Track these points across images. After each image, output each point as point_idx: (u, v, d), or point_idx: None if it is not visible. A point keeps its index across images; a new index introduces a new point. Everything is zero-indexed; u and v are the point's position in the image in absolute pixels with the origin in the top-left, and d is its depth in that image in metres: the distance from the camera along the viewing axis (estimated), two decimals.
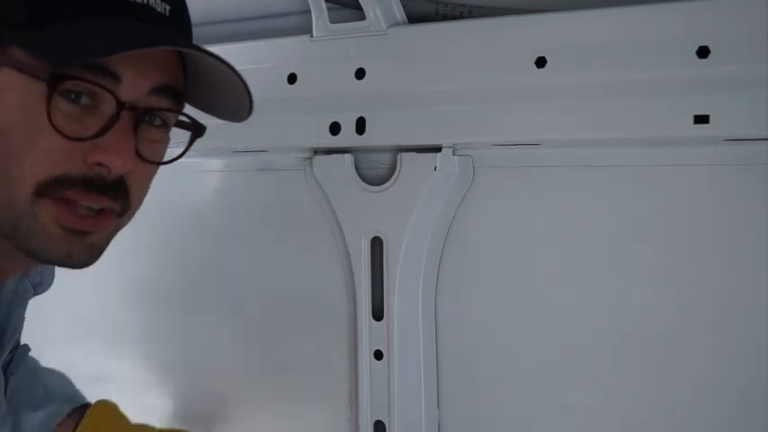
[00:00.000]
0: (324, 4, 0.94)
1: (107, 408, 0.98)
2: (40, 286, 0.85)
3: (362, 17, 0.92)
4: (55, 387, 0.98)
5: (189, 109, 0.69)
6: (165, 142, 0.68)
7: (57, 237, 0.62)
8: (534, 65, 0.82)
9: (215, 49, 1.04)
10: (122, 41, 0.59)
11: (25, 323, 1.04)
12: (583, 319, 0.88)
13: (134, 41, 0.60)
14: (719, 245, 0.80)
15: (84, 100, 0.61)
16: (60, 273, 1.18)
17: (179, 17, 0.67)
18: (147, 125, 0.64)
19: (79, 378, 1.26)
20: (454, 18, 0.90)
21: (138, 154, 0.63)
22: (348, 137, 0.94)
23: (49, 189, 0.61)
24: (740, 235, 0.79)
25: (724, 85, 0.74)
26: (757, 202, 0.77)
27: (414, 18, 0.93)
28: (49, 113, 0.59)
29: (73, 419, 0.96)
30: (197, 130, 0.67)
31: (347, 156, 0.96)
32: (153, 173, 0.68)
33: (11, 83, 0.59)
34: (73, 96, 0.61)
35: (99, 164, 0.61)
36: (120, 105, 0.61)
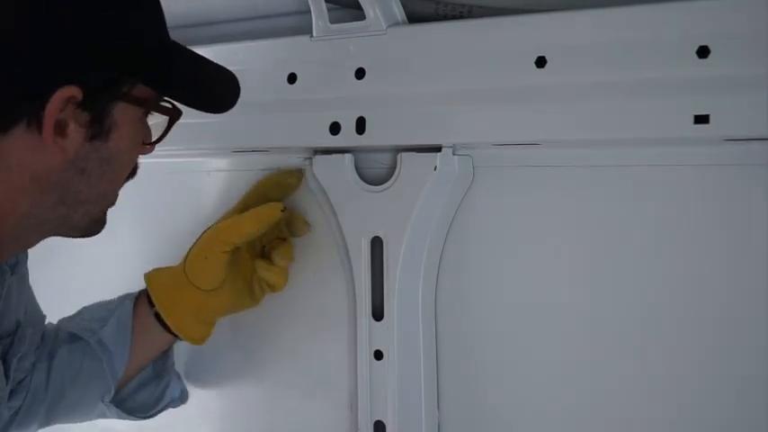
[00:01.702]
0: (324, 4, 0.94)
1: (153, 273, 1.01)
2: (17, 266, 0.90)
3: (362, 17, 0.92)
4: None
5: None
6: None
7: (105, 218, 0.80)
8: (534, 65, 0.82)
9: (215, 48, 1.04)
10: (233, 92, 0.81)
11: None
12: (583, 319, 0.88)
13: (235, 90, 0.81)
14: (719, 245, 0.80)
15: None
16: (59, 279, 1.18)
17: None
18: None
19: None
20: (454, 18, 0.90)
21: None
22: (348, 137, 0.94)
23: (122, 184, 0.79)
24: (740, 235, 0.79)
25: (724, 85, 0.74)
26: (757, 202, 0.77)
27: (414, 18, 0.93)
28: (143, 133, 0.78)
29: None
30: (176, 113, 0.79)
31: (347, 156, 0.96)
32: None
33: (125, 115, 0.72)
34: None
35: None
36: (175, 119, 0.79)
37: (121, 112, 0.71)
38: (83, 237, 0.79)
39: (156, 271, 1.01)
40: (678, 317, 0.83)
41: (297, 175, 1.00)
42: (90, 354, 0.98)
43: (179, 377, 1.08)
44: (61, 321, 1.03)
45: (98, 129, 0.70)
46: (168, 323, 0.98)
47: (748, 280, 0.79)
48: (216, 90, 0.81)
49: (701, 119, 0.74)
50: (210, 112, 0.82)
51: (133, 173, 0.81)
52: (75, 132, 0.68)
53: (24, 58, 0.65)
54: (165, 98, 0.79)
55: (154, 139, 0.80)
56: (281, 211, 0.95)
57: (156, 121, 0.81)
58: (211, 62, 0.81)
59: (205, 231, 0.99)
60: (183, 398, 1.08)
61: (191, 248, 0.99)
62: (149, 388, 1.04)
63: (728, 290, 0.80)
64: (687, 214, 0.82)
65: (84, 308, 1.04)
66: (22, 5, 0.64)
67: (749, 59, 0.72)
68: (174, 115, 0.78)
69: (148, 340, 1.00)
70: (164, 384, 1.05)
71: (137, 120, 0.75)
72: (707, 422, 0.82)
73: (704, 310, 0.81)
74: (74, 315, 1.03)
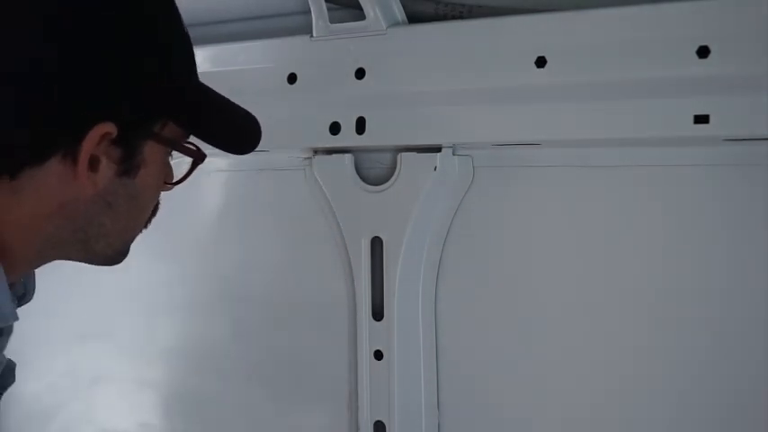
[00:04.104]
0: (324, 4, 0.94)
1: None
2: (24, 297, 0.89)
3: (362, 17, 0.92)
4: None
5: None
6: None
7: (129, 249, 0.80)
8: (534, 65, 0.82)
9: (215, 48, 1.04)
10: (255, 135, 0.80)
11: (31, 322, 1.04)
12: (583, 319, 0.88)
13: (257, 133, 0.80)
14: (719, 245, 0.80)
15: None
16: (62, 276, 1.18)
17: None
18: None
19: (79, 379, 1.27)
20: (454, 18, 0.90)
21: None
22: (348, 137, 0.94)
23: (148, 220, 0.80)
24: (740, 235, 0.79)
25: (724, 85, 0.74)
26: (757, 202, 0.77)
27: (414, 18, 0.93)
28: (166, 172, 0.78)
29: None
30: (200, 156, 0.80)
31: (347, 156, 0.96)
32: None
33: (154, 154, 0.73)
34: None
35: None
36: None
37: (151, 151, 0.72)
38: (104, 265, 0.80)
39: None
40: (678, 316, 0.83)
41: None
42: None
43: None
44: None
45: (128, 165, 0.71)
46: None
47: (748, 279, 0.79)
48: (240, 133, 0.81)
49: (701, 119, 0.75)
50: (233, 153, 0.83)
51: (154, 212, 0.81)
52: (107, 168, 0.69)
53: (64, 93, 0.66)
54: (190, 140, 0.80)
55: (176, 179, 0.81)
56: None
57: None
58: (235, 105, 0.82)
59: None
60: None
61: None
62: None
63: (729, 289, 0.80)
64: (687, 214, 0.82)
65: None
66: (68, 43, 0.66)
67: (749, 59, 0.73)
68: (198, 157, 0.79)
69: None
70: None
71: (163, 158, 0.76)
72: (707, 422, 0.82)
73: (704, 309, 0.81)
74: None
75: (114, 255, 0.79)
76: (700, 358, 0.82)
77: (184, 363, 1.16)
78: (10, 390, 1.10)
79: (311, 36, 0.96)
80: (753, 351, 0.79)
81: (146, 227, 0.81)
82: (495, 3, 0.88)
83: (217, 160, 1.10)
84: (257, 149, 1.04)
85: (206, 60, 1.01)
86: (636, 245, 0.84)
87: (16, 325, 0.99)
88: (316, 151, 0.99)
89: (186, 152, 0.78)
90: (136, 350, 1.20)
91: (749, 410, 0.80)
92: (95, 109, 0.67)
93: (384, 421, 0.96)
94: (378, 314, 0.96)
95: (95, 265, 0.80)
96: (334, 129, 0.95)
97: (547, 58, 0.82)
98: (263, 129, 1.01)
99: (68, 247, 0.75)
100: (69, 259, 0.78)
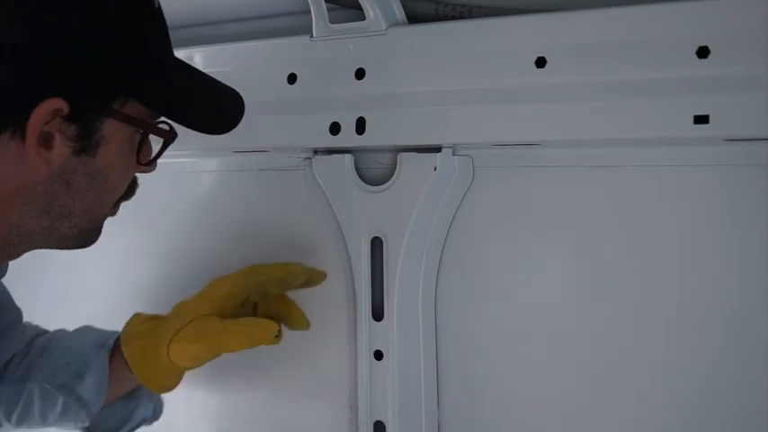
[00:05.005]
0: (324, 4, 0.94)
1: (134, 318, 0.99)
2: None
3: (362, 17, 0.92)
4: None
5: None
6: None
7: (101, 228, 0.79)
8: (534, 65, 0.82)
9: (215, 48, 1.04)
10: (234, 113, 0.79)
11: (33, 321, 1.04)
12: (583, 319, 0.88)
13: (236, 111, 0.80)
14: (719, 245, 0.80)
15: None
16: (62, 275, 1.18)
17: None
18: None
19: None
20: (454, 18, 0.90)
21: None
22: (348, 137, 0.94)
23: (118, 202, 0.78)
24: (740, 235, 0.79)
25: (724, 85, 0.74)
26: (757, 202, 0.77)
27: (414, 18, 0.93)
28: (138, 153, 0.76)
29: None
30: (170, 136, 0.78)
31: (347, 156, 0.96)
32: None
33: (115, 132, 0.71)
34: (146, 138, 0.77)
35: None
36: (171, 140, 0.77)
37: (112, 129, 0.70)
38: (76, 248, 0.78)
39: (135, 324, 0.99)
40: (678, 316, 0.83)
41: (321, 276, 0.98)
42: (65, 402, 0.97)
43: (150, 397, 1.05)
44: (32, 359, 1.00)
45: (86, 143, 0.69)
46: (138, 377, 0.96)
47: (748, 280, 0.79)
48: (215, 111, 0.79)
49: (701, 119, 0.74)
50: (209, 133, 0.80)
51: (130, 192, 0.79)
52: (62, 145, 0.67)
53: (9, 68, 0.64)
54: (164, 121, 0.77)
55: (148, 159, 0.78)
56: (275, 337, 0.94)
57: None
58: (214, 80, 0.79)
59: (190, 304, 0.96)
60: (156, 415, 1.07)
61: (171, 318, 0.96)
62: (117, 410, 1.02)
63: (729, 290, 0.80)
64: (687, 214, 0.82)
65: (54, 345, 1.00)
66: (8, 15, 0.63)
67: (749, 59, 0.72)
68: (167, 137, 0.76)
69: (123, 385, 1.00)
70: (132, 406, 1.04)
71: (128, 138, 0.73)
72: (708, 422, 0.82)
73: (705, 310, 0.81)
74: (44, 354, 1.00)
75: (81, 236, 0.76)
76: (700, 358, 0.82)
77: None
78: None
79: (311, 36, 0.96)
80: (753, 351, 0.79)
81: (117, 205, 0.79)
82: (495, 3, 0.88)
83: (216, 160, 1.10)
84: (257, 149, 1.05)
85: (206, 60, 1.01)
86: (636, 245, 0.84)
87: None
88: (316, 151, 0.99)
89: (154, 131, 0.75)
90: None
91: (750, 410, 0.80)
92: (42, 84, 0.65)
93: (384, 421, 0.96)
94: (378, 314, 0.96)
95: (66, 249, 0.78)
96: (334, 129, 0.95)
97: (547, 58, 0.82)
98: (262, 129, 1.01)
99: (35, 236, 0.73)
100: (39, 248, 0.76)
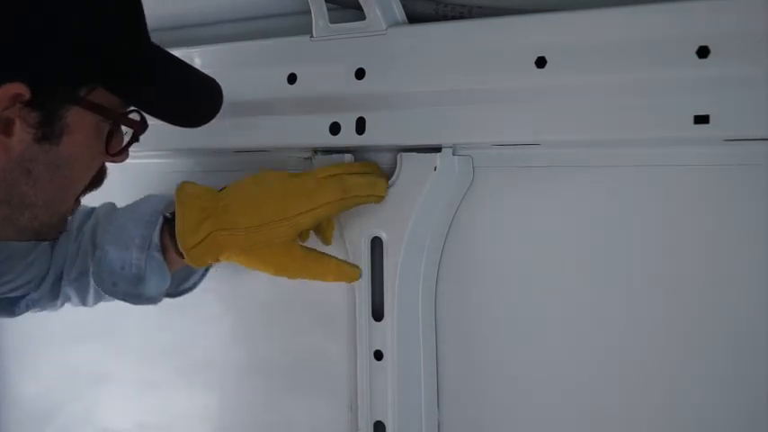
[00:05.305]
0: (324, 4, 0.94)
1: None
2: None
3: (362, 17, 0.92)
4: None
5: None
6: None
7: (66, 221, 0.76)
8: (534, 65, 0.82)
9: (215, 48, 1.04)
10: (211, 103, 0.77)
11: (26, 324, 1.04)
12: (583, 319, 0.88)
13: (214, 101, 0.77)
14: (720, 245, 0.80)
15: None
16: None
17: None
18: None
19: (78, 378, 1.27)
20: (454, 18, 0.90)
21: None
22: (348, 137, 0.94)
23: (83, 192, 0.75)
24: (740, 235, 0.79)
25: (724, 85, 0.74)
26: (757, 202, 0.77)
27: (414, 18, 0.93)
28: (107, 144, 0.72)
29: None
30: (140, 127, 0.75)
31: (347, 156, 0.96)
32: None
33: (81, 120, 0.68)
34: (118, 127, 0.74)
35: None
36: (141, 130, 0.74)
37: (77, 117, 0.67)
38: (35, 240, 0.76)
39: (192, 194, 0.92)
40: (678, 317, 0.83)
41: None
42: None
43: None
44: (83, 256, 0.95)
45: (48, 131, 0.66)
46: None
47: (748, 280, 0.79)
48: (189, 103, 0.75)
49: (701, 119, 0.74)
50: (183, 126, 0.76)
51: (97, 182, 0.76)
52: (23, 132, 0.65)
53: None
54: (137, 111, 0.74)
55: (118, 149, 0.75)
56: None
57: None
58: (193, 70, 0.76)
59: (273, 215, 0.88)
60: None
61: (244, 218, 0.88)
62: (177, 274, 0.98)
63: (729, 290, 0.80)
64: (687, 214, 0.81)
65: (101, 238, 0.93)
66: None
67: (749, 59, 0.72)
68: (137, 128, 0.73)
69: (178, 263, 0.95)
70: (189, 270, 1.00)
71: (96, 126, 0.70)
72: (708, 422, 0.82)
73: (704, 311, 0.81)
74: (95, 251, 0.93)
75: (43, 228, 0.73)
76: (700, 359, 0.82)
77: (184, 363, 1.16)
78: (9, 390, 1.10)
79: (311, 36, 0.96)
80: (753, 351, 0.79)
81: (82, 195, 0.75)
82: (495, 3, 0.88)
83: (217, 160, 1.10)
84: (257, 149, 1.05)
85: (205, 61, 1.01)
86: (635, 245, 0.84)
87: (17, 323, 0.99)
88: (316, 151, 0.99)
89: (122, 121, 0.72)
90: (136, 350, 1.20)
91: (751, 411, 0.80)
92: (1, 69, 0.62)
93: (384, 421, 0.96)
94: (378, 314, 0.96)
95: (26, 240, 0.76)
96: (334, 129, 0.95)
97: (547, 58, 0.82)
98: (263, 129, 1.01)
99: None
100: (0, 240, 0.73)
